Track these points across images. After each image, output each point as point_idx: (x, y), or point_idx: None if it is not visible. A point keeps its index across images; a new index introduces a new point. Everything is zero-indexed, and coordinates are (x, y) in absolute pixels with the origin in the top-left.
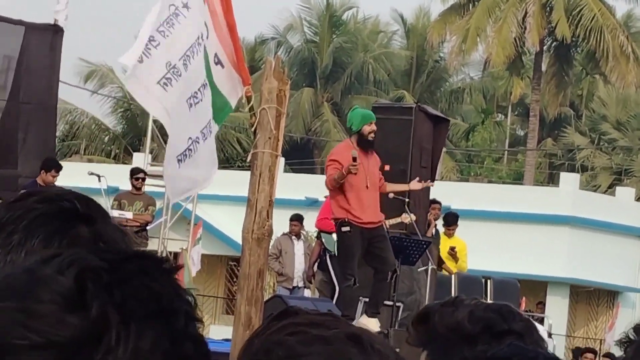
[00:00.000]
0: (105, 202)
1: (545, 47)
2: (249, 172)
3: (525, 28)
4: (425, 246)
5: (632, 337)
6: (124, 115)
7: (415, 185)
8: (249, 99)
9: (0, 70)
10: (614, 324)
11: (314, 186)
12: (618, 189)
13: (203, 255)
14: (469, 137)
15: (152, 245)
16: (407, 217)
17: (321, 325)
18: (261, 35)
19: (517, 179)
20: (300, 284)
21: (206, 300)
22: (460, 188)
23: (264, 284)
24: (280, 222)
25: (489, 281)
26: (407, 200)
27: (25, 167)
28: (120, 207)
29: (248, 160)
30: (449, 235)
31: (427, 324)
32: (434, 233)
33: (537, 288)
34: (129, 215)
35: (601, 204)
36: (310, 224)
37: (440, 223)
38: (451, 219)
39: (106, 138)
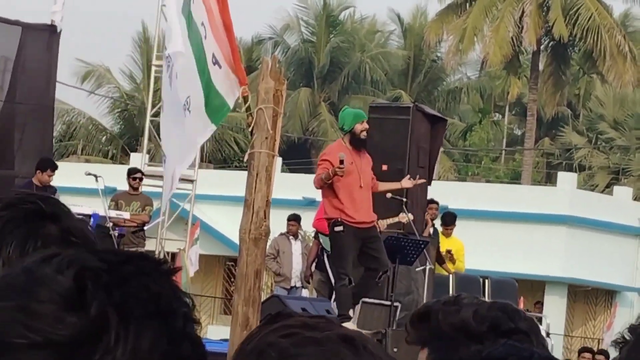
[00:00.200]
0: (103, 202)
1: (542, 47)
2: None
3: (522, 27)
4: (422, 246)
5: (627, 337)
6: (121, 115)
7: (407, 183)
8: (245, 99)
9: None
10: (612, 324)
11: (311, 186)
12: (615, 188)
13: (200, 256)
14: (467, 137)
15: (150, 245)
16: (405, 217)
17: (314, 327)
18: (258, 35)
19: (515, 178)
20: (298, 284)
21: (204, 301)
22: (457, 188)
23: (262, 284)
24: (278, 222)
25: (486, 281)
26: (404, 200)
27: (22, 167)
28: (117, 207)
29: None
30: (447, 235)
31: (427, 322)
32: (431, 232)
33: (534, 287)
34: (126, 215)
35: (599, 203)
36: (307, 224)
37: (438, 223)
38: (449, 219)
39: (103, 138)
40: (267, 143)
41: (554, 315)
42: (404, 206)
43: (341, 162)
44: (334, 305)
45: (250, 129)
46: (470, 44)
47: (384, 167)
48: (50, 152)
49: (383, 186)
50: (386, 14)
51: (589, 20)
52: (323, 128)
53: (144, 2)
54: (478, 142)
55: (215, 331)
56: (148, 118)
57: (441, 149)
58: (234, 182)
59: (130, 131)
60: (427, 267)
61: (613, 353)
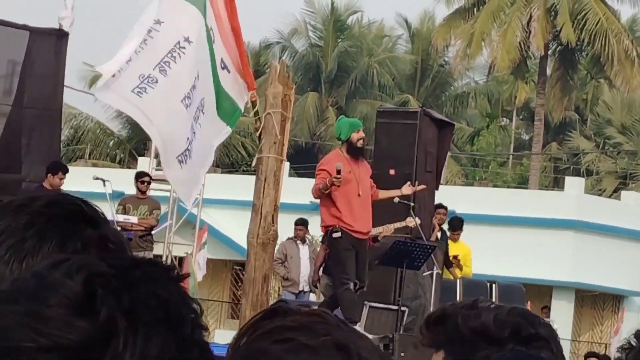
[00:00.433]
0: (110, 207)
1: (550, 51)
2: (254, 177)
3: (530, 32)
4: (430, 250)
5: (633, 343)
6: (128, 119)
7: (407, 189)
8: (254, 104)
9: (4, 75)
10: (619, 329)
11: None
12: (623, 193)
13: (208, 260)
14: (474, 142)
15: (157, 249)
16: (412, 221)
17: (310, 329)
18: (266, 39)
19: (522, 183)
20: (306, 289)
21: (211, 305)
22: (465, 192)
23: (269, 288)
24: (286, 227)
25: (494, 285)
26: (412, 204)
27: (29, 172)
28: (125, 211)
29: (253, 165)
30: (454, 239)
31: (443, 325)
32: (439, 236)
33: (542, 292)
34: (134, 219)
35: (606, 208)
36: (315, 229)
37: (445, 227)
38: (456, 224)
39: (111, 142)
40: (275, 148)
41: (561, 320)
42: (411, 210)
43: (338, 171)
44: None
45: (258, 134)
46: (478, 48)
47: (392, 172)
48: (57, 157)
49: (383, 194)
50: (394, 18)
51: (596, 25)
52: (330, 132)
53: (151, 5)
54: (485, 147)
55: (223, 335)
56: None
57: (449, 154)
58: (241, 186)
59: (138, 135)
60: (435, 272)
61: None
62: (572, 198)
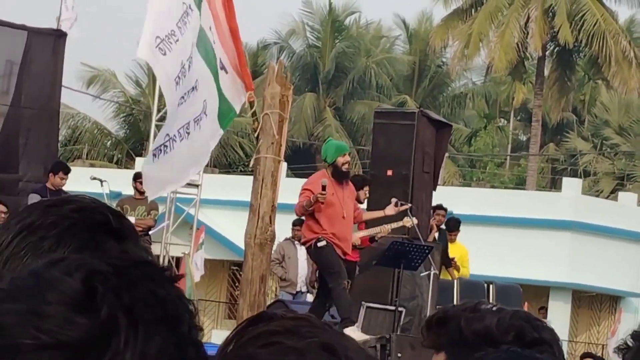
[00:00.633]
0: None
1: (547, 52)
2: (251, 177)
3: (527, 33)
4: (427, 251)
5: (630, 343)
6: (126, 120)
7: (390, 210)
8: (251, 104)
9: (2, 75)
10: (616, 329)
11: None
12: (620, 194)
13: (205, 260)
14: (472, 142)
15: (155, 250)
16: (409, 221)
17: (296, 333)
18: (263, 40)
19: (520, 184)
20: (304, 289)
21: (208, 305)
22: (462, 193)
23: (267, 289)
24: (283, 227)
25: (491, 286)
26: (409, 205)
27: (26, 171)
28: (122, 212)
29: (251, 165)
30: (451, 240)
31: (444, 327)
32: (436, 237)
33: (539, 293)
34: (131, 220)
35: (603, 209)
36: None
37: (443, 227)
38: (453, 225)
39: (108, 143)
40: (272, 148)
41: (558, 321)
42: (408, 211)
43: (323, 187)
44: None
45: (255, 134)
46: (476, 49)
47: (389, 172)
48: (55, 157)
49: (367, 215)
50: (391, 19)
51: (594, 26)
52: (328, 133)
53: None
54: (483, 148)
55: (220, 336)
56: (153, 122)
57: (446, 155)
58: (239, 187)
59: (136, 136)
60: (432, 272)
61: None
62: (570, 199)
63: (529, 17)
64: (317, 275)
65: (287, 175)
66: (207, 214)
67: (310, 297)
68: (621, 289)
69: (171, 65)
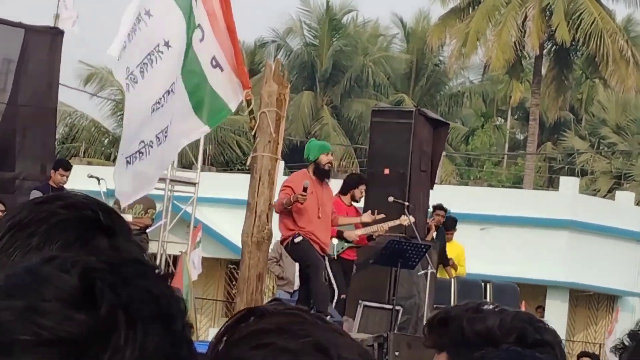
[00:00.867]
0: None
1: (545, 51)
2: (248, 176)
3: (525, 32)
4: (424, 250)
5: (627, 343)
6: (123, 118)
7: (366, 217)
8: (248, 103)
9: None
10: (613, 329)
11: None
12: (618, 193)
13: (202, 258)
14: (469, 141)
15: (152, 248)
16: (406, 219)
17: (288, 331)
18: (261, 38)
19: (517, 182)
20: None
21: (205, 303)
22: (459, 192)
23: (264, 287)
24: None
25: (488, 285)
26: (406, 203)
27: (23, 169)
28: (119, 210)
29: (248, 163)
30: (448, 239)
31: (446, 327)
32: (434, 237)
33: (536, 292)
34: (128, 218)
35: (601, 208)
36: None
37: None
38: (449, 224)
39: (106, 141)
40: (270, 146)
41: (555, 320)
42: (405, 209)
43: (305, 189)
44: (333, 311)
45: (253, 133)
46: (473, 48)
47: (386, 171)
48: (52, 154)
49: (343, 220)
50: (389, 17)
51: (591, 25)
52: (325, 131)
53: None
54: (480, 147)
55: None
56: None
57: (443, 153)
58: (236, 185)
59: None
60: (429, 271)
61: (613, 359)
62: (567, 198)
63: (526, 16)
64: None
65: (285, 174)
66: (204, 212)
67: None
68: (618, 288)
69: (121, 67)
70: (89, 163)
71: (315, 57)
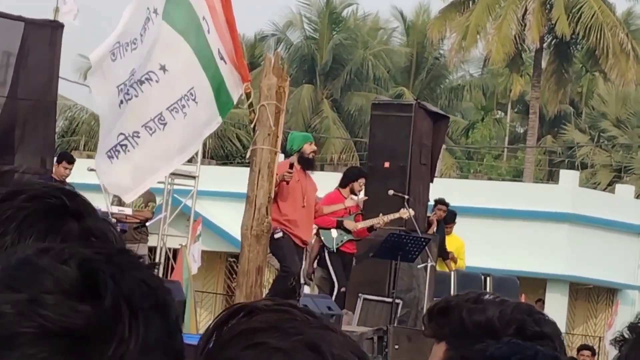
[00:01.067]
0: (105, 198)
1: (545, 45)
2: (248, 169)
3: (525, 25)
4: (424, 243)
5: (627, 335)
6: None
7: (350, 202)
8: (248, 96)
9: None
10: (613, 322)
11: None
12: (618, 186)
13: (202, 252)
14: (469, 134)
15: (152, 241)
16: (406, 212)
17: (279, 329)
18: (261, 31)
19: (517, 176)
20: (301, 281)
21: (205, 297)
22: (459, 185)
23: (263, 280)
24: None
25: (488, 278)
26: (406, 197)
27: (22, 163)
28: (120, 202)
29: (247, 156)
30: (447, 232)
31: (446, 317)
32: (435, 231)
33: (536, 285)
34: (128, 211)
35: (601, 201)
36: None
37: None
38: (449, 217)
39: None
40: (269, 139)
41: (555, 313)
42: (405, 203)
43: (291, 166)
44: (333, 304)
45: (252, 126)
46: (473, 41)
47: (386, 165)
48: (52, 148)
49: (327, 209)
50: (389, 11)
51: (591, 18)
52: (325, 125)
53: None
54: (480, 140)
55: None
56: None
57: (443, 147)
58: (236, 178)
59: None
60: (429, 264)
61: (614, 351)
62: (567, 191)
63: (526, 9)
64: (314, 267)
65: None
66: (204, 205)
67: (307, 289)
68: (618, 282)
69: (119, 72)
70: (89, 156)
71: (315, 51)
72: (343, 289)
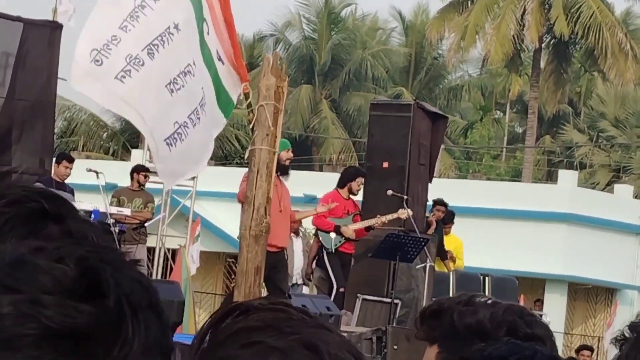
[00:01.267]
0: (104, 199)
1: (543, 44)
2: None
3: (523, 25)
4: (423, 243)
5: (627, 335)
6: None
7: (321, 208)
8: (247, 96)
9: None
10: (612, 322)
11: (312, 183)
12: (616, 186)
13: (201, 252)
14: (468, 134)
15: (151, 242)
16: (404, 212)
17: (276, 328)
18: (260, 32)
19: (516, 176)
20: (299, 281)
21: (204, 297)
22: (458, 185)
23: (262, 280)
24: None
25: (487, 279)
26: (405, 197)
27: (21, 163)
28: (119, 203)
29: (246, 157)
30: (446, 233)
31: (438, 320)
32: (434, 231)
33: (535, 285)
34: (127, 212)
35: (599, 201)
36: (308, 221)
37: None
38: (447, 217)
39: (104, 134)
40: (268, 140)
41: (554, 313)
42: (404, 203)
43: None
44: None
45: (251, 126)
46: (472, 41)
47: (385, 165)
48: (51, 148)
49: (299, 214)
50: (388, 11)
51: (590, 18)
52: (324, 125)
53: None
54: (479, 140)
55: None
56: None
57: (442, 147)
58: (235, 178)
59: (131, 127)
60: (428, 265)
61: (613, 350)
62: (565, 191)
63: (525, 9)
64: (312, 267)
65: None
66: (203, 206)
67: (305, 289)
68: (617, 282)
69: (111, 69)
70: (88, 157)
71: (314, 51)
72: (342, 289)
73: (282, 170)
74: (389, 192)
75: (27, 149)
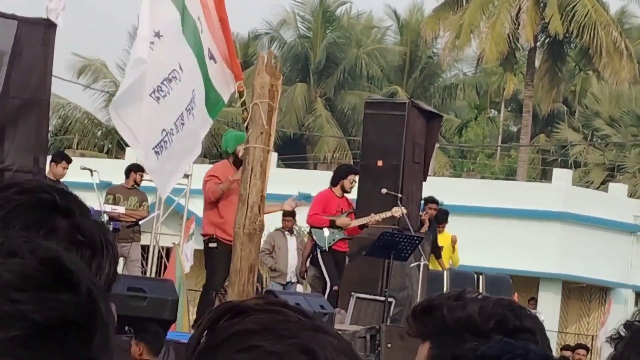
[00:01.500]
0: (98, 197)
1: (538, 43)
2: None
3: (518, 24)
4: (417, 242)
5: (622, 333)
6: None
7: (287, 205)
8: (241, 94)
9: None
10: (606, 320)
11: (306, 181)
12: (611, 185)
13: (195, 250)
14: (462, 133)
15: (145, 240)
16: (398, 211)
17: (272, 331)
18: (254, 30)
19: (510, 174)
20: (294, 280)
21: (198, 295)
22: (453, 184)
23: (255, 279)
24: (273, 218)
25: (481, 277)
26: (399, 195)
27: (15, 162)
28: (115, 201)
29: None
30: (439, 232)
31: (429, 316)
32: (427, 229)
33: (529, 284)
34: (121, 210)
35: (594, 200)
36: (303, 220)
37: None
38: (441, 216)
39: (99, 132)
40: (262, 138)
41: (548, 312)
42: (398, 201)
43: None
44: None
45: (245, 124)
46: (467, 40)
47: (379, 163)
48: (45, 147)
49: (266, 208)
50: (382, 9)
51: (585, 17)
52: (319, 123)
53: None
54: (473, 139)
55: None
56: None
57: (436, 145)
58: None
59: None
60: (422, 263)
61: (607, 349)
62: (560, 190)
63: (520, 8)
64: (306, 265)
65: (278, 166)
66: (197, 204)
67: (300, 288)
68: (611, 280)
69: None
70: (82, 155)
71: (308, 49)
72: (335, 288)
73: (240, 164)
74: (384, 190)
75: (21, 146)
